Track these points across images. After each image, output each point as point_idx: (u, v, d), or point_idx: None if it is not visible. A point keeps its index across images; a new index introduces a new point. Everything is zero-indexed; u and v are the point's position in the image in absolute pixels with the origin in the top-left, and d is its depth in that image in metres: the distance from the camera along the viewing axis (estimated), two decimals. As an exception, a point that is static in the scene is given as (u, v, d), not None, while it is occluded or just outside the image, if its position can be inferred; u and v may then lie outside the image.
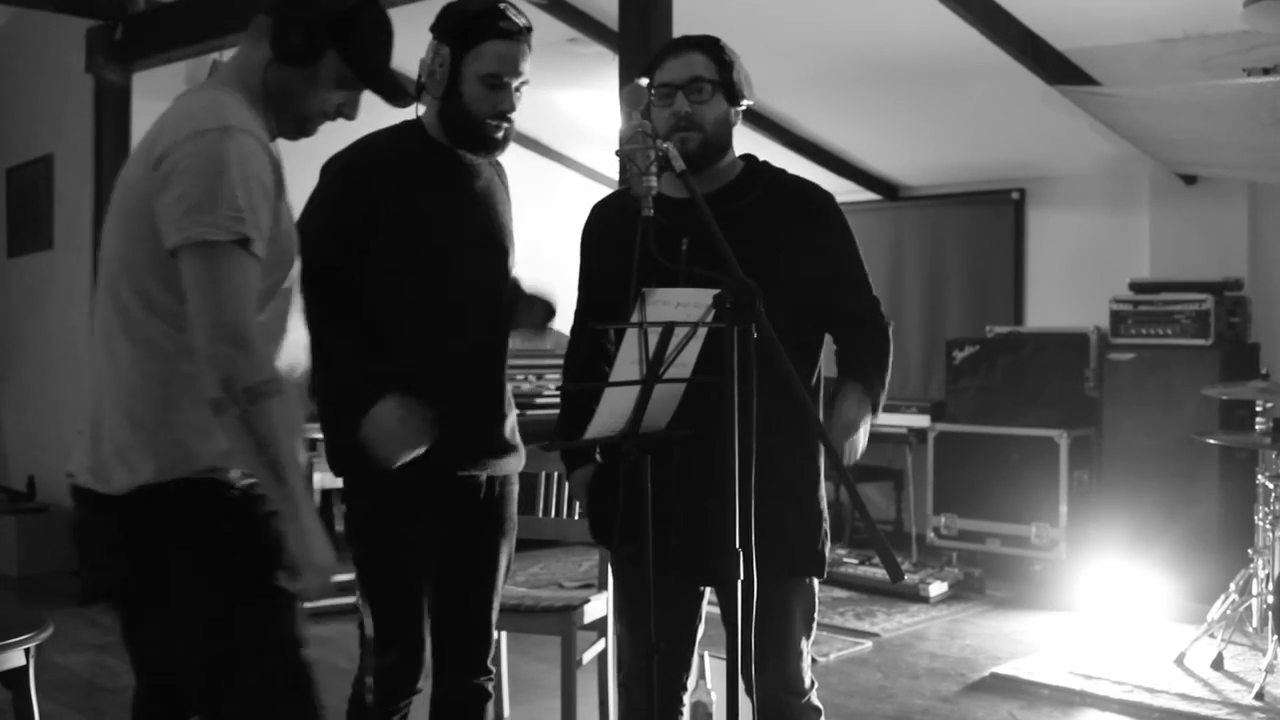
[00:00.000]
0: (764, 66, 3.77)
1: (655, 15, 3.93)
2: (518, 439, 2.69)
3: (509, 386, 2.69)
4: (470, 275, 2.58)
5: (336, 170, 2.56)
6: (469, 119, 2.51)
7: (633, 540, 2.08)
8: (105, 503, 1.92)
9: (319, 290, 2.34)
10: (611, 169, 6.68)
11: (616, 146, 2.18)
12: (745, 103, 2.46)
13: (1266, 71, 4.67)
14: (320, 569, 1.84)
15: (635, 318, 2.00)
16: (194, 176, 1.82)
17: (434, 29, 2.52)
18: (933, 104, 6.24)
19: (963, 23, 4.93)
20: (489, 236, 2.63)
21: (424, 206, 2.53)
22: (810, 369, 2.48)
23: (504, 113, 2.52)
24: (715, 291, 1.88)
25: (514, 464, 2.67)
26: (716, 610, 2.42)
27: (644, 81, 2.31)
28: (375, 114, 2.33)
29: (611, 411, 1.98)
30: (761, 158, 2.56)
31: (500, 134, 2.54)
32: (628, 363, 1.98)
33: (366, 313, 2.51)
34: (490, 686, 2.70)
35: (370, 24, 2.03)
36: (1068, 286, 6.77)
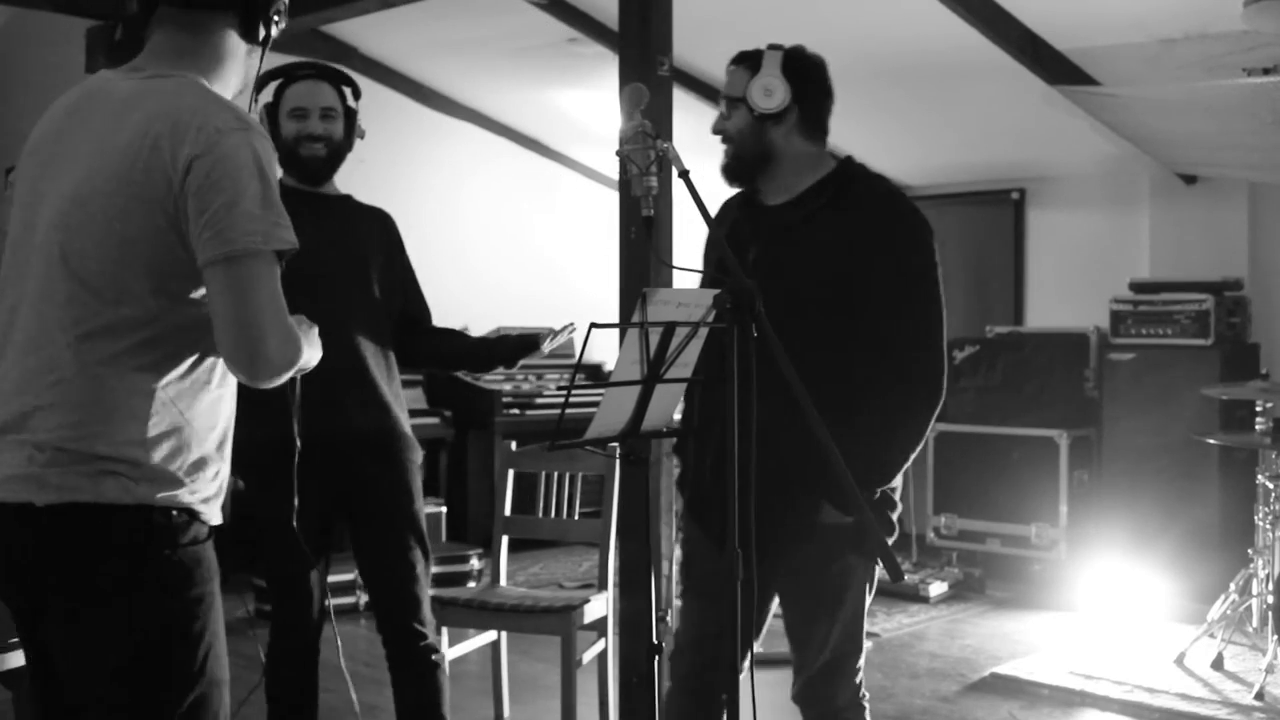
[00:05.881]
0: (764, 66, 3.78)
1: (655, 15, 3.92)
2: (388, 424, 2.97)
3: (387, 389, 2.98)
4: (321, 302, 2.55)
5: None
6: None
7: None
8: None
9: None
10: (611, 169, 6.68)
11: (616, 147, 2.18)
12: (761, 110, 2.45)
13: (1266, 71, 4.66)
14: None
15: (635, 318, 2.00)
16: (232, 182, 1.71)
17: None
18: (933, 104, 6.24)
19: (963, 23, 4.93)
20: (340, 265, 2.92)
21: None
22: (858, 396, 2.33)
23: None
24: (715, 291, 1.89)
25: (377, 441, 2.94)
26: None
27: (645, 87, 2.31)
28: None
29: (612, 411, 1.97)
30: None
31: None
32: (628, 363, 1.98)
33: None
34: (434, 656, 2.93)
35: None
36: (1068, 286, 6.77)
